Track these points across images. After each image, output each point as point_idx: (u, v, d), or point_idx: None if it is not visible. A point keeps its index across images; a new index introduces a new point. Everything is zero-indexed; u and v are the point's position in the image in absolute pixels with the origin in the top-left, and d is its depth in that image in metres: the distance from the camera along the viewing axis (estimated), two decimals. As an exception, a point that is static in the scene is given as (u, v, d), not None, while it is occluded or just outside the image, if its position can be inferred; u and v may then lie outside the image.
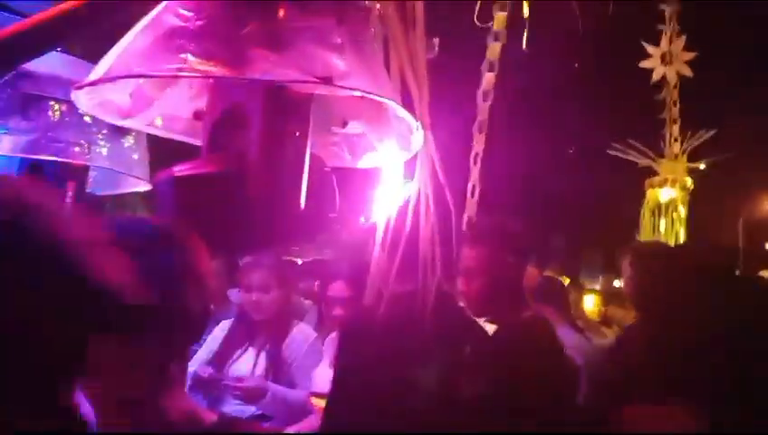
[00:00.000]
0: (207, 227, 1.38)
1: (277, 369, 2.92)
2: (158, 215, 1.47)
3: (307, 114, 1.45)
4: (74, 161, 2.22)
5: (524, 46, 3.00)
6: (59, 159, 2.19)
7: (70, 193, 2.28)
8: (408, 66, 1.62)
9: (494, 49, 2.74)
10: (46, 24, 1.06)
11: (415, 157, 1.64)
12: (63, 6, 1.09)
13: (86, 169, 2.32)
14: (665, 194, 4.45)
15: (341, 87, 1.34)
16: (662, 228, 4.47)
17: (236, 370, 2.98)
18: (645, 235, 4.52)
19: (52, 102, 2.19)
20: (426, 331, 1.65)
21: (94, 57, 1.73)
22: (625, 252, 3.11)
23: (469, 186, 2.62)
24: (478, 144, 2.66)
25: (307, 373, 2.92)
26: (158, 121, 1.71)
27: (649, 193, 4.60)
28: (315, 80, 1.29)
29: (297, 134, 1.45)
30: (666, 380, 2.00)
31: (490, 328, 2.81)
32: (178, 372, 1.08)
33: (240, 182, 1.38)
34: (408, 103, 1.64)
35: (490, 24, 2.79)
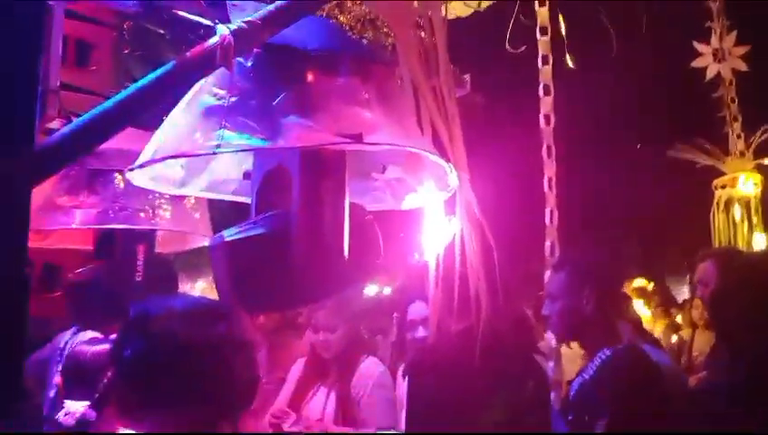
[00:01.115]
0: (258, 287, 1.47)
1: (346, 407, 2.98)
2: (213, 276, 1.57)
3: (343, 169, 1.52)
4: (141, 227, 2.37)
5: (570, 64, 2.99)
6: (127, 227, 2.34)
7: (140, 257, 2.44)
8: (435, 110, 1.67)
9: (546, 72, 2.74)
10: (126, 104, 1.17)
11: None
12: (136, 87, 1.20)
13: (153, 232, 2.47)
14: (744, 188, 4.29)
15: (370, 144, 1.41)
16: (741, 230, 4.31)
17: (311, 410, 3.06)
18: (718, 238, 4.36)
19: (115, 174, 2.36)
20: (483, 368, 1.68)
21: (149, 126, 1.86)
22: (703, 258, 3.02)
23: (547, 212, 2.61)
24: (549, 169, 2.65)
25: (372, 410, 2.96)
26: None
27: (717, 194, 4.44)
28: (346, 140, 1.36)
29: (334, 188, 1.52)
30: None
31: (567, 352, 2.78)
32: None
33: (285, 241, 1.46)
34: (442, 145, 1.69)
35: (524, 48, 2.81)
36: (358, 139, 1.39)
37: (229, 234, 1.47)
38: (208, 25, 1.39)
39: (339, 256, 1.49)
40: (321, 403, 3.08)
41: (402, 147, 1.48)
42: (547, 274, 2.50)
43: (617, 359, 2.08)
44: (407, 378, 2.15)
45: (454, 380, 1.73)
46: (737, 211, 4.31)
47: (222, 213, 2.86)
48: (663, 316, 6.32)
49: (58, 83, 2.32)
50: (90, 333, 3.84)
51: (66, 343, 3.80)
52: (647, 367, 2.07)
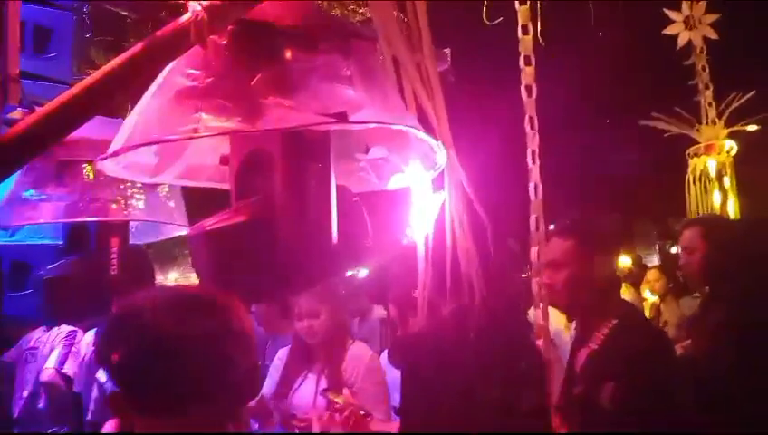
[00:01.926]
0: (244, 276, 1.40)
1: (339, 393, 2.93)
2: (194, 267, 1.50)
3: (327, 150, 1.46)
4: (114, 219, 2.28)
5: (540, 40, 2.94)
6: (99, 219, 2.25)
7: (114, 249, 2.35)
8: (420, 85, 1.61)
9: (526, 42, 2.68)
10: (92, 90, 1.09)
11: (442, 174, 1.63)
12: (103, 72, 1.12)
13: (126, 223, 2.38)
14: (711, 163, 4.32)
15: (355, 122, 1.35)
16: (715, 199, 4.33)
17: (299, 398, 3.01)
18: (692, 206, 4.39)
19: (84, 164, 2.26)
20: (478, 348, 1.65)
21: (117, 113, 1.76)
22: (688, 225, 3.02)
23: (531, 186, 2.56)
24: (532, 142, 2.59)
25: (367, 394, 2.93)
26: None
27: (692, 162, 4.47)
28: (329, 120, 1.29)
29: (319, 170, 1.46)
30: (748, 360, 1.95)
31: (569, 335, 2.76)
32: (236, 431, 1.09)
33: (270, 227, 1.39)
34: (427, 122, 1.64)
35: (500, 20, 2.76)
36: (342, 118, 1.33)
37: (211, 222, 1.40)
38: (175, 5, 1.32)
39: (327, 240, 1.43)
40: (310, 391, 3.04)
41: (389, 125, 1.42)
42: (533, 249, 2.47)
43: (629, 327, 2.07)
44: (401, 360, 2.11)
45: (448, 361, 1.70)
46: (711, 178, 4.34)
47: (195, 202, 2.78)
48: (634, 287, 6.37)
49: (17, 71, 2.20)
50: (65, 328, 3.75)
51: (37, 340, 3.70)
52: (658, 334, 2.07)
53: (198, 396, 1.04)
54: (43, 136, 1.01)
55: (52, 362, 3.42)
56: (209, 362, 1.04)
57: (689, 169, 4.49)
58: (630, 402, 1.86)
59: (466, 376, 1.66)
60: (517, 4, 2.73)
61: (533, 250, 2.46)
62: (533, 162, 2.57)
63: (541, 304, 2.38)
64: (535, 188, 2.58)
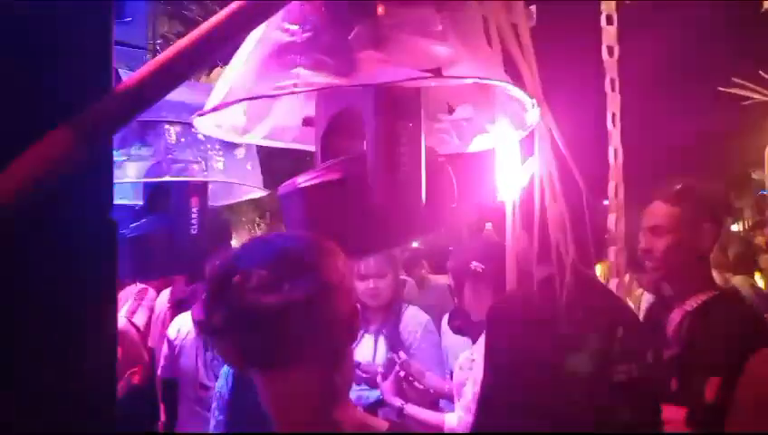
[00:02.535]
0: (335, 233, 1.40)
1: (396, 351, 2.96)
2: (285, 226, 1.51)
3: (418, 108, 1.44)
4: (195, 179, 2.32)
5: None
6: (181, 179, 2.30)
7: (194, 208, 2.40)
8: (512, 41, 1.57)
9: (608, 2, 2.57)
10: (193, 48, 1.09)
11: (531, 135, 1.59)
12: (202, 30, 1.12)
13: (206, 184, 2.42)
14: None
15: (453, 77, 1.32)
16: None
17: (359, 355, 3.05)
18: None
19: (167, 126, 2.30)
20: (571, 316, 1.61)
21: (196, 75, 1.77)
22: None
23: (611, 150, 2.48)
24: (613, 104, 2.50)
25: (425, 355, 2.96)
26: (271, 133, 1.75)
27: (772, 132, 4.27)
28: (427, 75, 1.27)
29: (411, 129, 1.44)
30: None
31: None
32: (342, 382, 1.10)
33: (361, 186, 1.39)
34: (517, 79, 1.59)
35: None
36: (438, 73, 1.30)
37: (303, 180, 1.41)
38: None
39: (417, 199, 1.42)
40: (370, 349, 3.07)
41: (486, 80, 1.39)
42: (611, 217, 2.41)
43: (730, 302, 2.01)
44: (487, 329, 2.10)
45: (538, 329, 1.67)
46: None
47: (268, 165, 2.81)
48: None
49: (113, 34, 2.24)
50: (139, 286, 3.88)
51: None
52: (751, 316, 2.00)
53: (303, 349, 1.05)
54: (159, 85, 1.02)
55: (122, 312, 3.57)
56: (311, 316, 1.05)
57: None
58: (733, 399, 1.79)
59: (556, 346, 1.64)
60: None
61: (611, 217, 2.39)
62: (614, 125, 2.49)
63: (620, 273, 2.33)
64: (615, 152, 2.50)
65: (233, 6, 1.14)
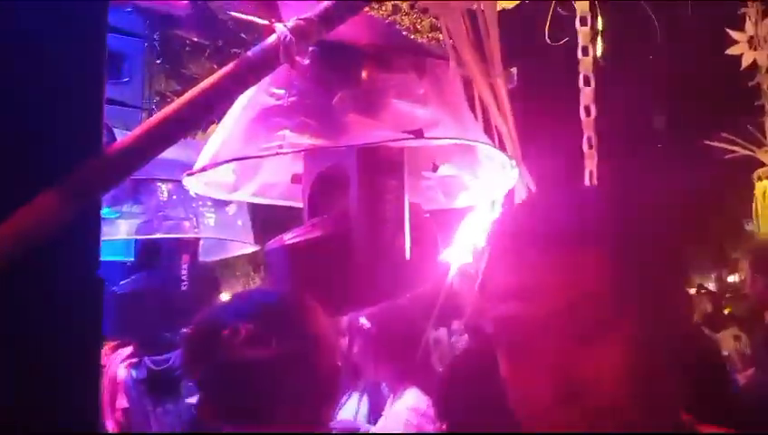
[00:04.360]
0: (320, 290, 1.43)
1: (377, 410, 2.94)
2: (271, 282, 1.54)
3: (401, 167, 1.48)
4: (186, 235, 2.36)
5: (600, 58, 2.93)
6: (172, 236, 2.33)
7: (184, 265, 2.42)
8: (491, 102, 1.64)
9: (585, 63, 2.67)
10: (185, 110, 1.13)
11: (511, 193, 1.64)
12: (194, 92, 1.16)
13: (197, 240, 2.46)
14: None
15: (434, 138, 1.37)
16: None
17: (343, 416, 3.03)
18: (761, 230, 4.26)
19: (159, 184, 2.35)
20: None
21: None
22: (748, 251, 2.97)
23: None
24: (590, 162, 2.57)
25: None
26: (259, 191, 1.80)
27: (759, 186, 4.34)
28: (408, 136, 1.32)
29: (394, 187, 1.48)
30: None
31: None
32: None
33: (346, 243, 1.42)
34: (497, 138, 1.65)
35: (565, 40, 2.76)
36: (419, 134, 1.36)
37: (289, 237, 1.44)
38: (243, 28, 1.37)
39: (401, 256, 1.45)
40: (353, 409, 3.05)
41: (465, 141, 1.44)
42: None
43: None
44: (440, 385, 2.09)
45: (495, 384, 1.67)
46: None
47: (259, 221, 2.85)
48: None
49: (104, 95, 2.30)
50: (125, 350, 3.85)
51: (104, 358, 3.81)
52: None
53: (283, 402, 1.06)
54: (145, 150, 1.07)
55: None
56: (292, 370, 1.06)
57: (756, 193, 4.36)
58: None
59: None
60: (578, 24, 2.74)
61: None
62: (590, 182, 2.55)
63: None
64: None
65: (221, 72, 1.20)
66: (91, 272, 1.02)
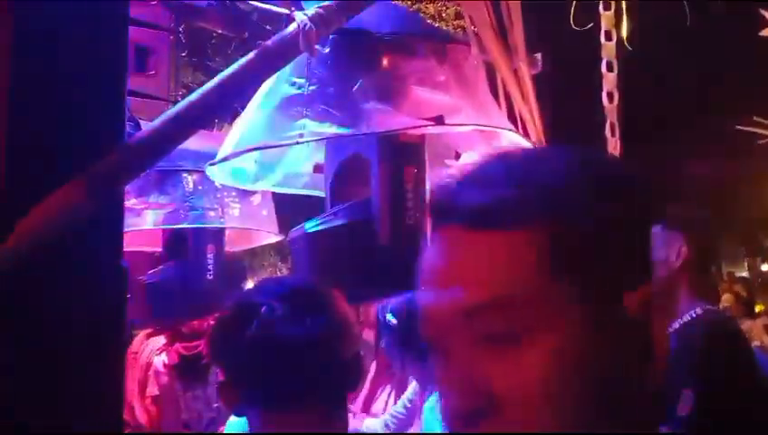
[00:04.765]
0: (340, 278, 1.44)
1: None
2: (294, 270, 1.55)
3: (422, 155, 1.48)
4: (212, 225, 2.38)
5: (626, 42, 2.87)
6: (198, 226, 2.36)
7: (210, 255, 2.45)
8: (514, 89, 1.62)
9: (608, 48, 2.63)
10: (208, 99, 1.14)
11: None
12: (217, 82, 1.17)
13: (222, 230, 2.48)
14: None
15: (454, 124, 1.36)
16: None
17: (374, 408, 3.04)
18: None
19: (184, 175, 2.37)
20: None
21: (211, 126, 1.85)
22: None
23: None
24: (613, 148, 2.55)
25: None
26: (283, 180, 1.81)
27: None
28: (428, 123, 1.32)
29: (415, 175, 1.48)
30: None
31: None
32: (341, 428, 1.11)
33: (367, 231, 1.42)
34: (520, 125, 1.63)
35: (590, 25, 2.72)
36: (440, 121, 1.35)
37: (310, 225, 1.45)
38: (276, 16, 1.37)
39: (421, 244, 1.45)
40: (383, 402, 3.06)
41: (486, 127, 1.43)
42: None
43: (696, 321, 2.00)
44: None
45: None
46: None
47: (285, 211, 2.87)
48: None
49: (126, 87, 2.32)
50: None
51: (139, 346, 3.89)
52: (736, 333, 1.98)
53: (308, 389, 1.07)
54: (168, 139, 1.08)
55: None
56: (327, 355, 1.06)
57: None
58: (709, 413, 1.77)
59: None
60: (601, 8, 2.69)
61: None
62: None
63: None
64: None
65: (241, 62, 1.21)
66: (115, 260, 1.04)
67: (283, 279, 1.17)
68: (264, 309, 1.01)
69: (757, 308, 5.75)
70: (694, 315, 2.02)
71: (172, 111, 1.12)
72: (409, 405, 2.58)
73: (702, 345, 1.93)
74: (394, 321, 2.51)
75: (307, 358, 1.02)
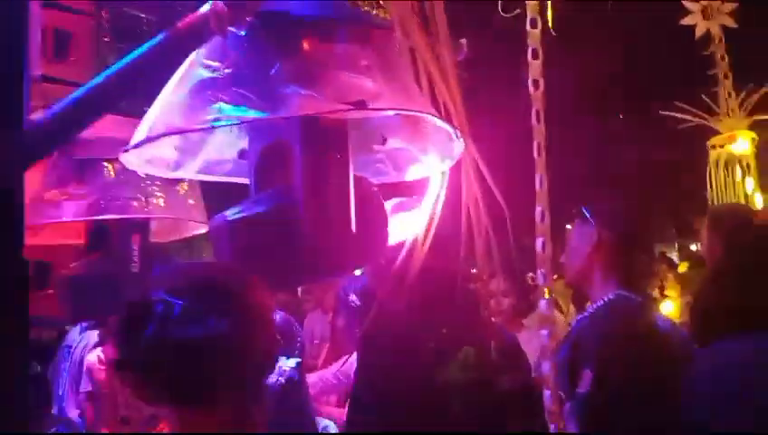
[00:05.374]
0: (264, 265, 1.41)
1: None
2: (216, 259, 1.51)
3: (345, 139, 1.46)
4: (135, 216, 2.30)
5: (552, 29, 2.92)
6: (121, 217, 2.27)
7: (135, 247, 2.37)
8: (437, 75, 1.62)
9: (534, 36, 2.67)
10: (103, 87, 1.10)
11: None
12: (125, 63, 1.13)
13: (147, 221, 2.40)
14: (738, 147, 4.26)
15: (374, 109, 1.35)
16: (749, 188, 4.27)
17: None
18: (714, 199, 4.34)
19: (105, 163, 2.28)
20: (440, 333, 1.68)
21: (138, 113, 1.80)
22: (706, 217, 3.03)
23: (537, 177, 2.55)
24: (538, 135, 2.59)
25: None
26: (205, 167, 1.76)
27: (713, 153, 4.42)
28: (348, 107, 1.30)
29: (338, 159, 1.46)
30: None
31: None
32: (260, 414, 1.10)
33: (290, 217, 1.40)
34: (444, 111, 1.64)
35: (517, 11, 2.75)
36: (361, 105, 1.33)
37: (231, 213, 1.41)
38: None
39: (346, 229, 1.44)
40: None
41: (407, 111, 1.42)
42: (538, 241, 2.48)
43: (605, 306, 2.08)
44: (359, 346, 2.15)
45: (409, 346, 1.73)
46: (738, 170, 4.29)
47: (213, 200, 2.80)
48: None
49: (39, 72, 2.22)
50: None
51: (73, 341, 3.76)
52: (636, 316, 2.06)
53: (223, 382, 1.04)
54: (72, 122, 1.03)
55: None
56: (234, 349, 1.04)
57: (710, 161, 4.44)
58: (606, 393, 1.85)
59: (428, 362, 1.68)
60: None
61: (539, 241, 2.47)
62: (539, 155, 2.57)
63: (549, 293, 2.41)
64: (541, 180, 2.58)
65: (150, 44, 1.16)
66: (16, 252, 0.98)
67: (188, 269, 1.13)
68: (159, 308, 0.98)
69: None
70: (605, 300, 2.09)
71: (74, 94, 1.07)
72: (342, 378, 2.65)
73: (603, 329, 2.01)
74: (357, 301, 2.55)
75: (208, 357, 0.99)
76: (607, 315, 2.07)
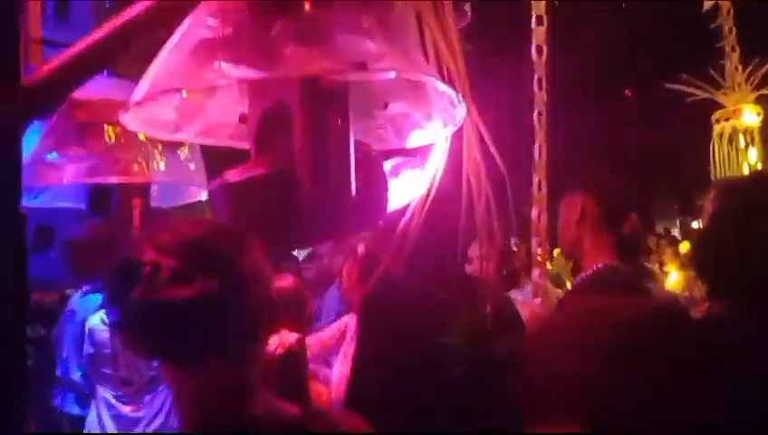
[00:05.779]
0: (264, 228, 1.41)
1: None
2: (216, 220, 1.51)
3: (346, 102, 1.45)
4: (136, 180, 2.30)
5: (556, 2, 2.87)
6: (121, 180, 2.28)
7: (136, 211, 2.37)
8: (440, 39, 1.60)
9: (539, 6, 2.63)
10: (97, 47, 1.09)
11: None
12: (122, 19, 1.11)
13: (148, 185, 2.40)
14: (745, 119, 4.21)
15: (376, 70, 1.33)
16: (753, 160, 4.25)
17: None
18: (717, 173, 4.32)
19: (106, 126, 2.28)
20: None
21: (137, 76, 1.78)
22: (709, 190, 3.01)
23: (535, 147, 2.54)
24: (539, 103, 2.58)
25: None
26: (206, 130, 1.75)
27: (717, 127, 4.39)
28: (349, 67, 1.28)
29: (339, 123, 1.45)
30: None
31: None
32: (255, 374, 1.10)
33: (290, 179, 1.40)
34: (447, 76, 1.62)
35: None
36: (362, 67, 1.32)
37: (231, 175, 1.41)
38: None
39: (346, 193, 1.43)
40: None
41: (408, 73, 1.41)
42: (534, 210, 2.48)
43: (592, 275, 2.09)
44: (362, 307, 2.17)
45: (410, 308, 1.74)
46: (741, 143, 4.26)
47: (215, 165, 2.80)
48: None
49: (38, 34, 2.19)
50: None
51: (76, 304, 3.79)
52: (622, 285, 2.07)
53: (216, 342, 1.05)
54: (66, 81, 1.02)
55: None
56: (225, 309, 1.04)
57: (714, 135, 4.41)
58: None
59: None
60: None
61: (534, 210, 2.47)
62: (539, 123, 2.55)
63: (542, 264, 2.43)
64: (539, 148, 2.57)
65: (144, 3, 1.14)
66: (14, 207, 0.98)
67: (181, 227, 1.11)
68: (147, 269, 0.97)
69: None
70: (594, 269, 2.11)
71: (65, 53, 1.06)
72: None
73: (586, 298, 2.02)
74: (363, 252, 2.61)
75: (195, 318, 0.99)
76: (590, 285, 2.09)
